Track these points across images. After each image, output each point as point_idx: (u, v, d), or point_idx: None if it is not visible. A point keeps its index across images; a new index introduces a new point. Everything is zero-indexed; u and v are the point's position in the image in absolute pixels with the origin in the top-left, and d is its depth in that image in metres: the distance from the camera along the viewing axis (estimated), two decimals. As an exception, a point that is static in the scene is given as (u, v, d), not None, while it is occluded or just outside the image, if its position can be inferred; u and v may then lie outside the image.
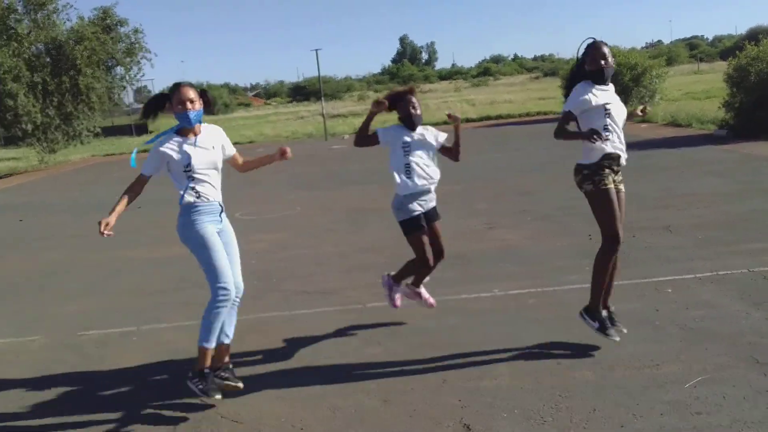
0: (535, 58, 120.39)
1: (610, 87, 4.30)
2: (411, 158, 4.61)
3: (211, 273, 3.88)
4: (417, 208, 4.64)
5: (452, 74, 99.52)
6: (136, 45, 24.96)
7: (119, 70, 25.56)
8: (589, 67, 4.20)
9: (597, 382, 3.81)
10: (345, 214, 9.76)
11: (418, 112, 4.68)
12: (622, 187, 4.40)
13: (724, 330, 4.36)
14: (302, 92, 72.08)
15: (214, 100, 4.12)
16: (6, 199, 15.92)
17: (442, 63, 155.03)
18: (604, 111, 4.18)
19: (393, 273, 4.99)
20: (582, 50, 4.29)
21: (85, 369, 4.74)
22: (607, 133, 4.15)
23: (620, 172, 4.38)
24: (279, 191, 12.65)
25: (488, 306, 5.25)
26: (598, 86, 4.21)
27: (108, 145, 31.82)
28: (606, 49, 4.19)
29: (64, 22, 23.34)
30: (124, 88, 26.52)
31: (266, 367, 4.47)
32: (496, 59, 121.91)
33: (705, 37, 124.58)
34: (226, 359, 4.11)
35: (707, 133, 15.44)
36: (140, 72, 25.81)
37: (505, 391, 3.80)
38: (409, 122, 4.64)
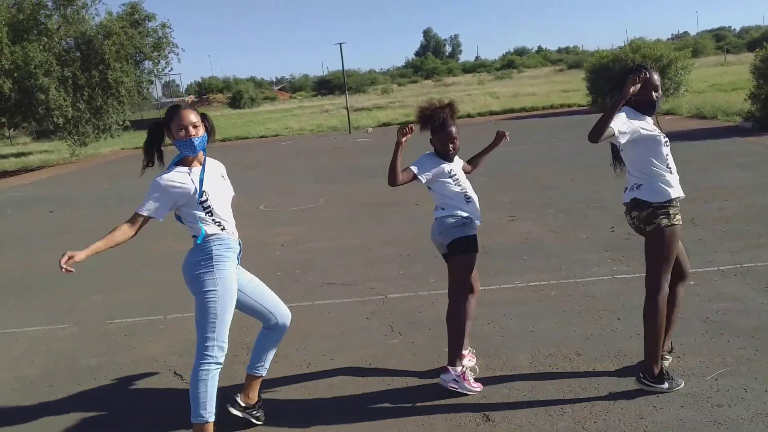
0: (559, 50, 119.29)
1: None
2: (464, 187, 3.96)
3: (211, 326, 3.36)
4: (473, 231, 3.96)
5: (476, 67, 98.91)
6: (164, 39, 25.27)
7: (147, 64, 25.93)
8: (639, 97, 3.61)
9: (617, 374, 3.82)
10: (368, 207, 9.82)
11: (457, 144, 3.98)
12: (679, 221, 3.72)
13: (746, 323, 4.34)
14: (327, 86, 72.20)
15: (213, 128, 3.48)
16: (38, 192, 16.22)
17: (466, 56, 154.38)
18: (663, 142, 3.64)
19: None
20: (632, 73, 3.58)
21: (113, 357, 4.86)
22: (669, 168, 3.64)
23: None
24: (303, 184, 12.73)
25: (509, 298, 5.27)
26: (642, 116, 3.66)
27: (138, 138, 32.08)
28: (658, 80, 3.68)
29: (93, 18, 23.73)
30: (152, 82, 26.91)
31: (287, 356, 4.53)
32: (520, 52, 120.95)
33: (732, 28, 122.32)
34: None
35: (733, 125, 15.22)
36: (168, 66, 26.19)
37: (524, 382, 3.83)
38: (445, 156, 3.97)
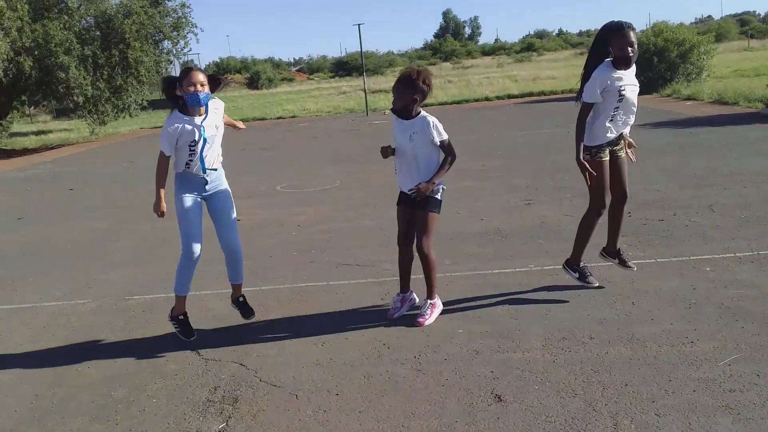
0: (580, 33, 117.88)
1: (631, 69, 4.62)
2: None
3: (181, 234, 4.61)
4: None
5: (495, 50, 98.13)
6: (183, 19, 25.31)
7: (167, 44, 25.98)
8: (615, 53, 4.50)
9: (630, 358, 3.84)
10: (384, 189, 9.83)
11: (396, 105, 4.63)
12: (621, 153, 4.87)
13: (761, 310, 4.33)
14: (345, 67, 72.06)
15: (223, 83, 4.60)
16: (58, 169, 16.41)
17: (486, 38, 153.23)
18: (618, 95, 4.58)
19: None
20: (605, 32, 4.62)
21: (132, 331, 4.95)
22: (616, 115, 4.67)
23: (620, 142, 4.84)
24: (320, 165, 12.77)
25: (523, 280, 5.29)
26: (618, 70, 4.55)
27: (156, 118, 32.34)
28: (633, 36, 4.49)
29: (113, -4, 23.79)
30: (171, 62, 26.93)
31: (304, 334, 4.60)
32: (540, 34, 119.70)
33: (757, 12, 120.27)
34: (242, 295, 4.94)
35: (754, 111, 15.03)
36: (187, 46, 26.21)
37: (537, 364, 3.87)
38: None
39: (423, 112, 4.52)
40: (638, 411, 3.28)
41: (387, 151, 4.68)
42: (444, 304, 4.89)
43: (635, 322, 4.32)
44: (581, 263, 4.99)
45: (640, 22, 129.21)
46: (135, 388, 4.00)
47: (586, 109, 4.68)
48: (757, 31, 74.08)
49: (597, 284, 4.96)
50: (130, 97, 24.31)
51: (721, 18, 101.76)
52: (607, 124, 4.68)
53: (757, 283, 4.80)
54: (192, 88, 4.22)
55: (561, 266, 5.15)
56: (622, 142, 4.83)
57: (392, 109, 4.57)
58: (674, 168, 9.00)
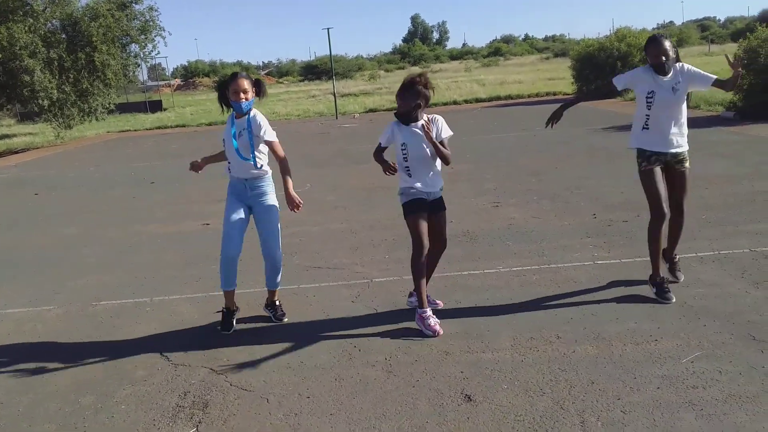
0: (546, 39, 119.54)
1: (676, 74, 4.65)
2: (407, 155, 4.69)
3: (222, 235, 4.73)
4: None
5: (463, 54, 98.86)
6: (151, 23, 25.12)
7: (134, 47, 25.74)
8: (650, 60, 4.65)
9: (596, 356, 3.91)
10: (354, 192, 9.86)
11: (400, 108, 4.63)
12: (678, 167, 4.85)
13: (723, 308, 4.45)
14: (314, 71, 71.84)
15: (265, 89, 4.68)
16: (22, 174, 16.12)
17: (453, 43, 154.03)
18: (645, 102, 4.67)
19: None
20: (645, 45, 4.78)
21: (99, 338, 4.90)
22: (650, 123, 4.72)
23: (680, 155, 4.83)
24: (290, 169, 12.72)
25: (492, 282, 5.35)
26: (657, 75, 4.62)
27: (123, 122, 32.03)
28: (657, 46, 4.59)
29: (79, -1, 23.48)
30: (139, 65, 26.72)
31: (275, 338, 4.60)
32: (507, 39, 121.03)
33: (717, 18, 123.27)
34: (276, 300, 5.01)
35: (715, 114, 15.37)
36: (154, 50, 26.03)
37: (506, 364, 3.92)
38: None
39: (426, 116, 4.54)
40: (604, 408, 3.35)
41: (389, 169, 4.65)
42: (415, 305, 4.92)
43: (601, 321, 4.40)
44: (658, 278, 4.75)
45: (603, 27, 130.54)
46: (103, 395, 3.96)
47: (607, 85, 4.94)
48: (717, 36, 75.68)
49: (672, 300, 4.61)
50: (97, 100, 24.02)
51: (683, 23, 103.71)
52: (642, 131, 4.76)
53: (719, 282, 4.92)
54: (234, 96, 4.46)
55: (534, 268, 5.22)
56: (684, 158, 4.83)
57: (395, 114, 4.58)
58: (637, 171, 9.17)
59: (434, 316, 4.49)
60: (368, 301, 5.17)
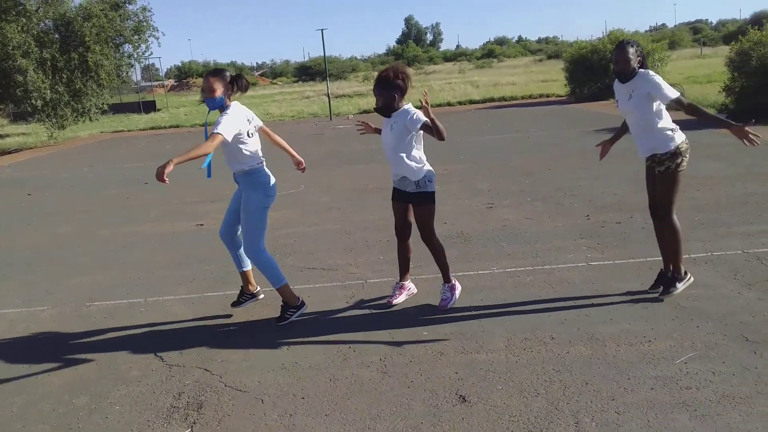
0: (539, 41, 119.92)
1: (633, 82, 4.63)
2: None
3: None
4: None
5: (457, 56, 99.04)
6: (144, 23, 25.03)
7: (127, 47, 25.64)
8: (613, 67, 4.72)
9: (590, 357, 3.93)
10: (348, 193, 9.87)
11: (378, 102, 4.80)
12: (656, 167, 4.78)
13: (716, 309, 4.47)
14: (308, 72, 71.80)
15: (243, 84, 4.71)
16: (15, 174, 16.05)
17: (447, 44, 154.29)
18: (617, 104, 4.86)
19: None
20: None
21: (93, 338, 4.88)
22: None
23: (656, 157, 4.76)
24: (283, 169, 12.71)
25: (486, 283, 5.36)
26: (619, 82, 4.72)
27: (116, 122, 31.94)
28: (619, 52, 4.59)
29: (72, -1, 23.41)
30: (132, 65, 26.63)
31: (270, 339, 4.59)
32: (501, 41, 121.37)
33: (709, 21, 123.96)
34: (250, 286, 5.17)
35: (708, 117, 15.41)
36: (148, 50, 25.95)
37: (500, 364, 3.93)
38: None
39: (407, 106, 4.66)
40: (599, 409, 3.36)
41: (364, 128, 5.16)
42: (409, 306, 4.94)
43: (595, 322, 4.41)
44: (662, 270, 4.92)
45: (596, 29, 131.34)
46: (97, 396, 3.95)
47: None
48: (709, 38, 75.98)
49: (663, 298, 4.76)
50: (90, 101, 23.92)
51: (675, 26, 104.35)
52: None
53: (711, 283, 4.94)
54: (203, 94, 4.64)
55: (528, 269, 5.23)
56: (664, 161, 4.69)
57: (375, 109, 4.77)
58: (631, 172, 9.17)
59: (399, 293, 5.05)
60: (363, 302, 5.17)
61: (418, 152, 4.70)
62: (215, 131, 4.39)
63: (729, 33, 65.30)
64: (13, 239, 8.44)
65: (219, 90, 4.55)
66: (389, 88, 4.61)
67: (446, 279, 4.96)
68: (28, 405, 3.90)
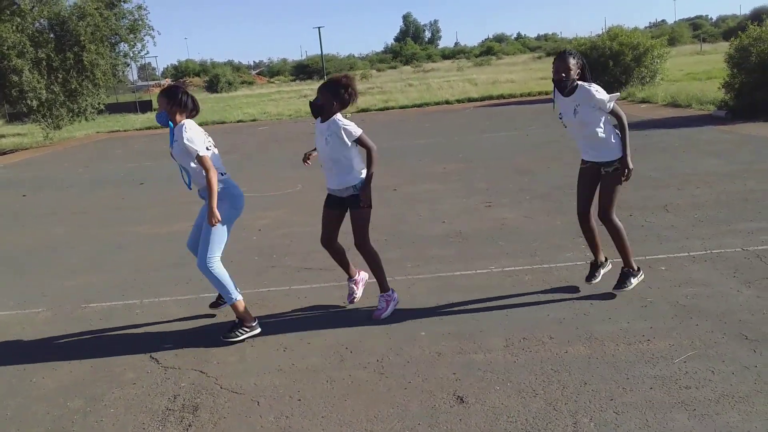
0: (538, 37, 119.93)
1: (576, 96, 4.59)
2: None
3: None
4: None
5: (455, 53, 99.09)
6: (140, 22, 24.93)
7: (123, 46, 25.54)
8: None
9: (588, 357, 3.90)
10: (346, 192, 9.81)
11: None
12: (602, 171, 4.76)
13: (715, 307, 4.45)
14: (305, 70, 71.76)
15: (178, 100, 4.60)
16: (10, 175, 16.00)
17: (445, 42, 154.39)
18: (560, 118, 4.79)
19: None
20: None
21: (88, 340, 4.85)
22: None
23: (601, 162, 4.74)
24: (281, 169, 12.69)
25: (484, 282, 5.33)
26: (560, 93, 4.69)
27: (112, 122, 31.85)
28: (560, 62, 4.55)
29: (67, -2, 23.32)
30: (128, 65, 26.54)
31: (266, 340, 4.56)
32: (499, 38, 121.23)
33: (709, 17, 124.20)
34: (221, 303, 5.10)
35: (706, 113, 15.41)
36: (144, 49, 25.83)
37: (498, 365, 3.90)
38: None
39: (336, 117, 4.66)
40: (597, 409, 3.33)
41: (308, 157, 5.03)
42: (407, 306, 4.91)
43: (593, 321, 4.39)
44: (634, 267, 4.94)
45: (595, 26, 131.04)
46: (92, 398, 3.92)
47: None
48: (709, 35, 76.05)
49: (590, 283, 5.04)
50: (86, 100, 23.84)
51: (675, 22, 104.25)
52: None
53: (711, 282, 4.91)
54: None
55: (527, 268, 5.20)
56: (613, 163, 4.70)
57: (311, 103, 4.72)
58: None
59: (356, 287, 5.12)
60: (360, 302, 5.14)
61: (356, 158, 4.71)
62: (199, 154, 4.51)
63: (729, 29, 65.41)
64: (7, 240, 8.40)
65: (163, 106, 4.57)
66: (334, 95, 4.62)
67: (383, 288, 4.84)
68: (22, 408, 3.86)
